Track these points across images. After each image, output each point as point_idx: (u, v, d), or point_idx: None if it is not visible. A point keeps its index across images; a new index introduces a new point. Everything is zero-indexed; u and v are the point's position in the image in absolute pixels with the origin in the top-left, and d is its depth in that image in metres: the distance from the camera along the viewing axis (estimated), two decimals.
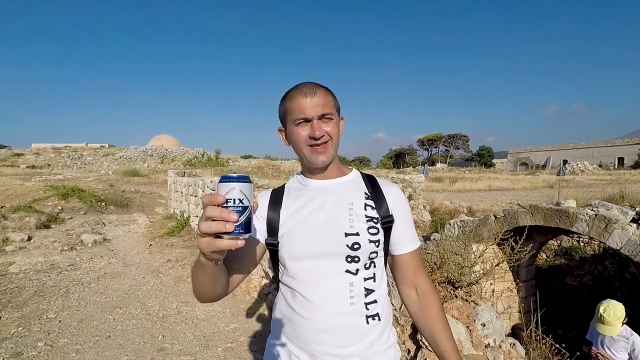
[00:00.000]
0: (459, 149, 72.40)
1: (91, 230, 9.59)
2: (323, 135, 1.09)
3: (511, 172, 42.67)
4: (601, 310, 3.36)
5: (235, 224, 0.74)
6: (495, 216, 6.74)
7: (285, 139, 1.20)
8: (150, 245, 8.58)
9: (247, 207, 0.77)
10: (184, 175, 12.60)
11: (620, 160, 44.83)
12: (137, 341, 4.26)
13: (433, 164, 61.40)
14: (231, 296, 5.57)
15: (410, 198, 9.67)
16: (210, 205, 0.74)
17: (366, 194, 1.17)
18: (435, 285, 2.55)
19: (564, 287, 9.88)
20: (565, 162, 46.43)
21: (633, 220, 8.00)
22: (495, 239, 6.81)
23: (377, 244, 1.10)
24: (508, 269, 7.20)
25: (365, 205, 1.14)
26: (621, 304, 3.36)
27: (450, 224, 7.78)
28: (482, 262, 3.09)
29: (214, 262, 0.84)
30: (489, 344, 2.31)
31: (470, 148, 71.73)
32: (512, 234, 6.81)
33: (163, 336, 4.41)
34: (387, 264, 1.23)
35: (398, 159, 71.96)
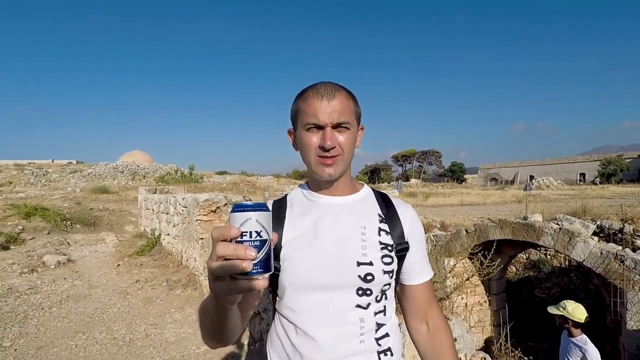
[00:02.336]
0: (432, 164, 74.25)
1: (54, 250, 9.11)
2: (334, 147, 0.95)
3: (482, 187, 44.12)
4: (566, 303, 3.57)
5: (253, 262, 0.61)
6: (466, 231, 6.91)
7: (294, 143, 1.05)
8: (119, 265, 8.23)
9: (266, 240, 0.65)
10: (155, 192, 12.26)
11: (582, 176, 47.22)
12: None
13: (407, 179, 62.58)
14: None
15: None
16: (222, 241, 0.62)
17: (380, 216, 1.04)
18: None
19: (533, 299, 10.16)
20: (532, 177, 48.40)
21: (594, 234, 8.40)
22: (467, 253, 6.98)
23: (391, 274, 0.99)
24: (479, 282, 7.35)
25: (380, 229, 1.01)
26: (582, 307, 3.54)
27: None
28: (452, 276, 3.14)
29: (228, 305, 0.71)
30: (460, 358, 2.33)
31: (442, 164, 73.69)
32: (482, 248, 7.00)
33: None
34: (396, 293, 1.10)
35: (373, 175, 72.91)
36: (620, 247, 5.11)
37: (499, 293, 7.38)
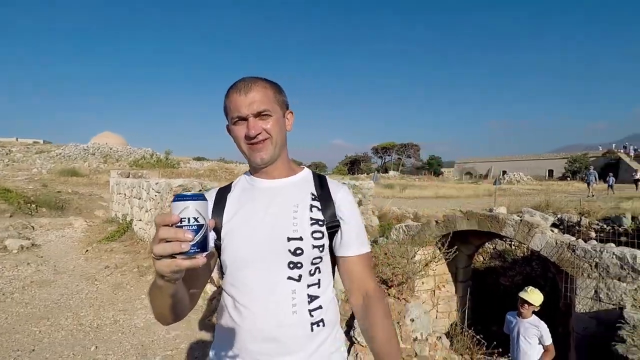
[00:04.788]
0: (410, 157, 75.37)
1: (17, 234, 8.79)
2: (260, 133, 1.03)
3: (457, 181, 45.23)
4: (529, 287, 3.90)
5: (190, 244, 0.71)
6: (436, 221, 7.14)
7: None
8: (87, 250, 8.05)
9: (203, 225, 0.74)
10: (128, 176, 11.97)
11: (550, 172, 49.14)
12: (66, 354, 3.98)
13: (386, 171, 63.36)
14: None
15: (360, 204, 9.94)
16: (164, 226, 0.71)
17: (313, 194, 1.11)
18: None
19: (498, 287, 10.64)
20: (504, 172, 50.05)
21: (554, 225, 8.85)
22: (435, 242, 7.23)
23: (321, 249, 1.05)
24: (447, 271, 7.63)
25: (312, 206, 1.08)
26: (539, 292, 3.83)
27: (396, 229, 8.11)
28: (414, 263, 3.29)
29: (172, 282, 0.79)
30: (416, 337, 2.47)
31: (420, 157, 74.97)
32: (450, 237, 7.26)
33: (96, 347, 4.17)
34: (337, 268, 1.16)
35: (353, 166, 73.36)
36: (573, 238, 5.44)
37: (465, 281, 7.71)
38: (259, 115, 1.04)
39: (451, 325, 7.65)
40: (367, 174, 49.04)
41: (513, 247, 10.40)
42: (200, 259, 0.74)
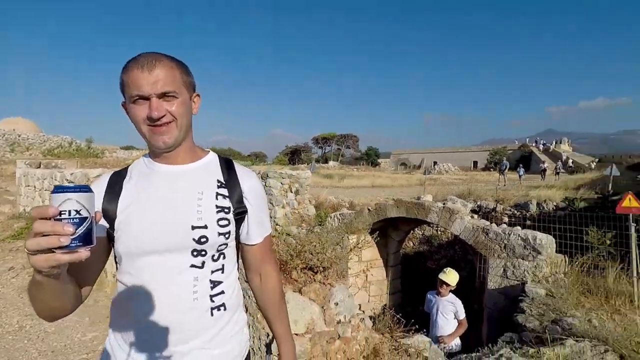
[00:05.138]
0: (349, 148, 77.20)
1: None
2: (164, 115, 0.96)
3: (393, 171, 47.43)
4: (447, 268, 4.28)
5: (71, 237, 0.67)
6: (369, 209, 7.41)
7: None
8: None
9: (87, 217, 0.71)
10: (39, 167, 10.75)
11: (475, 164, 53.54)
12: None
13: (326, 161, 64.30)
14: (92, 302, 5.00)
15: (297, 193, 9.98)
16: (40, 219, 0.66)
17: (219, 181, 1.08)
18: (297, 272, 2.69)
19: (426, 269, 11.42)
20: (435, 163, 53.53)
21: (474, 211, 9.66)
22: (368, 229, 7.52)
23: (227, 236, 1.03)
24: (379, 257, 7.99)
25: (217, 194, 1.05)
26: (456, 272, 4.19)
27: (331, 217, 8.28)
28: (341, 249, 3.39)
29: (53, 277, 0.74)
30: (340, 320, 2.55)
31: (359, 148, 77.15)
32: (382, 224, 7.60)
33: None
34: (239, 252, 1.18)
35: (294, 156, 73.34)
36: (488, 223, 5.98)
37: (395, 265, 8.14)
38: (163, 96, 0.96)
39: (382, 307, 8.06)
40: (307, 164, 49.39)
41: (439, 233, 11.19)
42: (83, 252, 0.70)
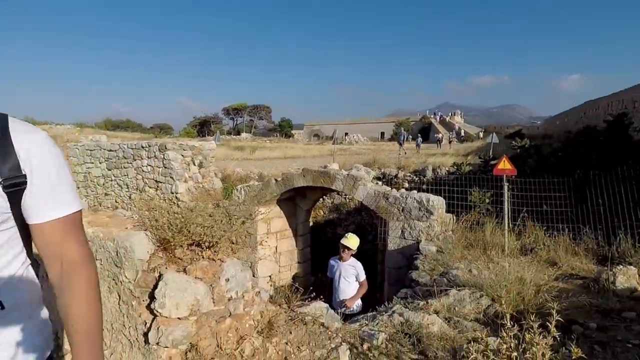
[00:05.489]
0: (262, 119, 75.66)
1: None
2: None
3: (306, 143, 47.93)
4: (348, 233, 4.25)
5: None
6: (275, 180, 7.25)
7: None
8: None
9: None
10: None
11: (382, 134, 56.86)
12: None
13: (238, 133, 62.20)
14: None
15: (200, 166, 9.37)
16: None
17: None
18: (182, 249, 2.39)
19: (336, 236, 11.87)
20: (346, 134, 55.36)
21: (378, 179, 10.18)
22: (275, 199, 7.39)
23: None
24: (288, 227, 7.97)
25: None
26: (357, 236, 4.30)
27: (237, 189, 7.95)
28: (236, 221, 3.17)
29: None
30: (231, 297, 2.36)
31: (272, 119, 76.06)
32: (290, 194, 7.52)
33: None
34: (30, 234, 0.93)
35: (203, 128, 69.32)
36: (388, 188, 6.29)
37: (305, 234, 8.22)
38: None
39: (292, 276, 8.16)
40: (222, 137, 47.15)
41: (347, 201, 11.63)
42: None
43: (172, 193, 9.30)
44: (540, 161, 7.27)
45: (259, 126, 75.04)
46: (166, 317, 2.08)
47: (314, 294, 2.88)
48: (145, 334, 2.12)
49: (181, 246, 2.48)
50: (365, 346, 2.34)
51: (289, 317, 2.50)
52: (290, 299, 2.71)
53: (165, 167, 9.50)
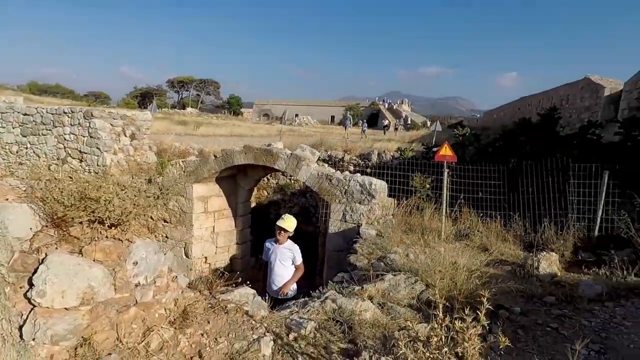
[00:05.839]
0: (210, 95, 72.31)
1: None
2: None
3: (255, 122, 46.62)
4: (285, 215, 4.16)
5: None
6: (215, 156, 6.78)
7: None
8: None
9: None
10: None
11: (332, 118, 57.04)
12: None
13: (184, 107, 58.93)
14: None
15: (133, 138, 8.53)
16: None
17: None
18: (81, 226, 1.99)
19: (279, 218, 11.63)
20: (296, 115, 54.73)
21: (325, 161, 10.03)
22: (214, 177, 6.94)
23: None
24: (227, 207, 7.57)
25: None
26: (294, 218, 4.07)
27: (172, 165, 7.35)
28: (149, 195, 2.81)
29: None
30: (139, 282, 2.02)
31: (221, 95, 72.94)
32: (230, 172, 7.10)
33: None
34: None
35: (145, 100, 64.60)
36: (333, 170, 6.13)
37: (245, 215, 7.87)
38: None
39: (230, 258, 7.81)
40: (160, 109, 44.23)
41: (292, 182, 11.39)
42: None
43: (99, 166, 8.40)
44: (479, 149, 7.58)
45: (206, 102, 71.68)
46: (47, 307, 1.70)
47: (240, 279, 2.62)
48: (21, 328, 1.74)
49: (80, 223, 2.08)
50: (291, 336, 2.14)
51: (209, 305, 2.22)
52: (212, 285, 2.43)
53: (91, 137, 8.51)
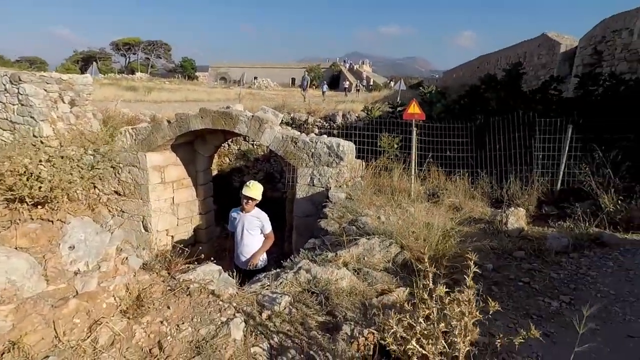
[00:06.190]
0: (160, 58, 67.48)
1: None
2: None
3: (212, 86, 44.31)
4: (249, 182, 3.79)
5: None
6: (168, 121, 6.21)
7: None
8: None
9: None
10: None
11: (293, 80, 55.44)
12: None
13: (133, 72, 54.74)
14: None
15: (72, 104, 7.64)
16: None
17: None
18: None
19: (243, 185, 11.25)
20: (255, 78, 52.60)
21: (288, 124, 9.63)
22: (169, 144, 6.41)
23: None
24: (187, 176, 7.10)
25: None
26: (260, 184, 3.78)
27: (121, 133, 6.70)
28: (82, 167, 2.42)
29: None
30: (78, 270, 1.69)
31: (172, 59, 68.34)
32: (187, 139, 6.59)
33: None
34: None
35: (88, 64, 59.16)
36: (298, 132, 5.81)
37: (206, 183, 7.43)
38: None
39: (194, 229, 7.45)
40: (104, 75, 40.77)
41: (255, 147, 10.94)
42: None
43: (36, 137, 7.51)
44: (446, 107, 7.49)
45: (157, 66, 66.96)
46: None
47: (202, 255, 2.34)
48: None
49: None
50: (264, 315, 1.93)
51: (169, 288, 1.94)
52: (171, 264, 2.14)
53: (22, 105, 7.55)
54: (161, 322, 1.74)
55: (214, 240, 8.12)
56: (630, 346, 2.31)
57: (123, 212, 6.91)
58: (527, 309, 2.69)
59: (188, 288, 1.97)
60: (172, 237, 7.09)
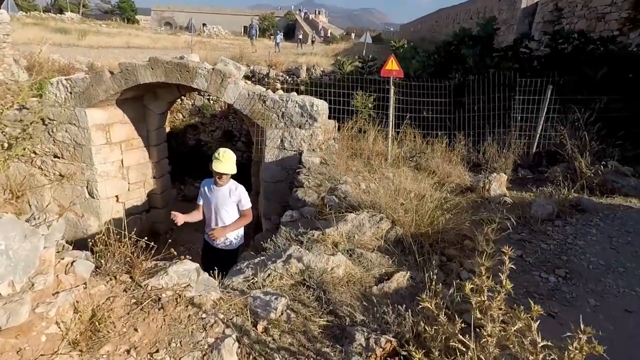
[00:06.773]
0: None
1: None
2: None
3: (155, 31, 40.22)
4: (219, 153, 3.13)
5: None
6: (111, 72, 5.31)
7: None
8: None
9: None
10: None
11: (245, 29, 51.83)
12: None
13: (61, 12, 48.08)
14: None
15: None
16: None
17: None
18: None
19: (199, 143, 10.43)
20: (204, 25, 48.43)
21: (247, 77, 8.81)
22: (114, 99, 5.56)
23: None
24: (137, 135, 6.30)
25: None
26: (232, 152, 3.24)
27: (53, 84, 5.67)
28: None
29: None
30: None
31: None
32: (134, 93, 5.75)
33: None
34: None
35: (5, 3, 50.86)
36: (264, 89, 5.21)
37: (160, 143, 6.66)
38: None
39: (147, 194, 6.77)
40: (26, 13, 35.34)
41: (211, 102, 10.02)
42: None
43: None
44: (423, 64, 7.10)
45: (90, 5, 59.24)
46: None
47: (170, 240, 1.88)
48: None
49: None
50: (260, 327, 1.58)
51: (133, 300, 1.51)
52: (134, 265, 1.67)
53: None
54: (127, 351, 1.33)
55: (170, 205, 7.49)
56: (631, 321, 2.28)
57: (62, 176, 6.05)
58: (525, 286, 2.59)
59: (159, 299, 1.55)
60: (124, 203, 6.40)
